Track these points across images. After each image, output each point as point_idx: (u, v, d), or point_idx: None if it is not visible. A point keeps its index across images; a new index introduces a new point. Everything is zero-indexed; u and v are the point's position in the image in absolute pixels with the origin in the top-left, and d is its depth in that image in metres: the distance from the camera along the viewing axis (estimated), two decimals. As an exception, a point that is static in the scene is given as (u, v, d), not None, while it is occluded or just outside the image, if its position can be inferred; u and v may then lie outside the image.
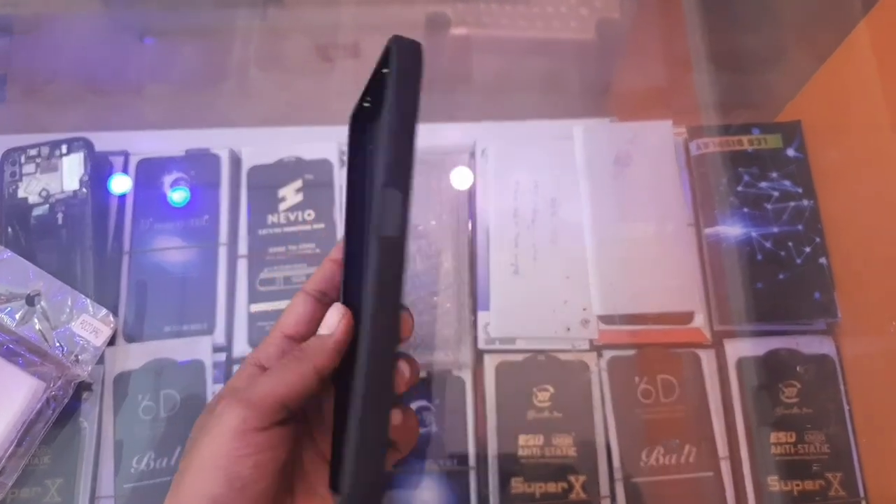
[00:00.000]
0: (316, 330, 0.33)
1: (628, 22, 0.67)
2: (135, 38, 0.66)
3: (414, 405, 0.47)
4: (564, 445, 0.46)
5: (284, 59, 0.66)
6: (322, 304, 0.34)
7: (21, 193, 0.51)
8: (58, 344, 0.46)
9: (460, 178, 0.53)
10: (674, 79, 0.62)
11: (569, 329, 0.49)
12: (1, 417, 0.42)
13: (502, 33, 0.66)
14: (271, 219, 0.52)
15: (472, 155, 0.54)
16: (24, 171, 0.51)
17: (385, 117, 0.26)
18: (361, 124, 0.33)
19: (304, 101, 0.63)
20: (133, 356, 0.48)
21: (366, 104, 0.32)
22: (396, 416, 0.32)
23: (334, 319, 0.30)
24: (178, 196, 0.53)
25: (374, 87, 0.31)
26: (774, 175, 0.52)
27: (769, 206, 0.51)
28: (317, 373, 0.29)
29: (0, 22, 0.65)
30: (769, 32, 0.62)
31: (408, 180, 0.26)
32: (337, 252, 0.34)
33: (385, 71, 0.28)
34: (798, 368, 0.48)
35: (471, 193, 0.52)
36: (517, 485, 0.45)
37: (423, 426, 0.46)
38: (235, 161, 0.54)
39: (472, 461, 0.46)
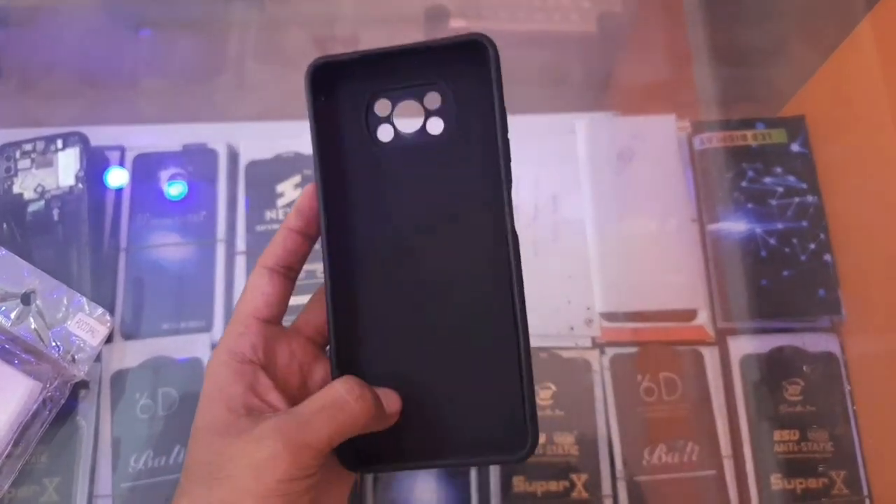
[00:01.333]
0: (286, 307, 0.30)
1: (630, 15, 0.67)
2: (130, 30, 0.65)
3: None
4: (566, 444, 0.46)
5: (282, 52, 0.65)
6: (289, 279, 0.30)
7: (16, 189, 0.50)
8: (54, 343, 0.45)
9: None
10: (676, 73, 0.61)
11: (572, 328, 0.48)
12: (-4, 419, 0.42)
13: (502, 26, 0.65)
14: (269, 214, 0.52)
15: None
16: (19, 167, 0.51)
17: (497, 121, 0.28)
18: (348, 73, 0.29)
19: (303, 95, 0.62)
20: (130, 354, 0.48)
21: (357, 58, 0.29)
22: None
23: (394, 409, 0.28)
24: (174, 190, 0.52)
25: (406, 56, 0.29)
26: (779, 170, 0.51)
27: (773, 202, 0.50)
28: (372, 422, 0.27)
29: (-6, 15, 0.64)
30: (771, 26, 0.61)
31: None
32: (296, 220, 0.29)
33: (426, 48, 0.28)
34: (802, 366, 0.47)
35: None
36: (519, 484, 0.45)
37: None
38: (233, 156, 0.54)
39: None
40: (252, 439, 0.25)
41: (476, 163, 0.28)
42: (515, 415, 0.27)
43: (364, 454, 0.29)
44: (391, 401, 0.28)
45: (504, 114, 0.28)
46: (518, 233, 0.29)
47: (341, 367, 0.29)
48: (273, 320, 0.30)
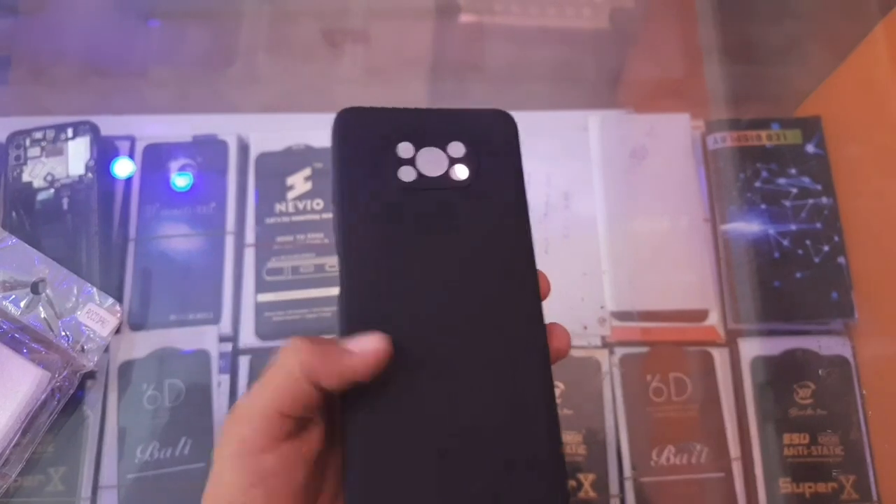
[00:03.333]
0: None
1: (642, 10, 0.66)
2: (140, 20, 0.64)
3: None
4: (574, 443, 0.46)
5: (293, 44, 0.65)
6: None
7: (26, 177, 0.50)
8: (63, 333, 0.45)
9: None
10: (688, 70, 0.61)
11: (586, 327, 0.48)
12: (5, 408, 0.41)
13: (513, 21, 0.65)
14: (279, 207, 0.52)
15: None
16: (29, 155, 0.50)
17: (515, 192, 0.30)
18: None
19: (314, 87, 0.62)
20: (138, 345, 0.48)
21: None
22: None
23: (369, 344, 0.25)
24: (181, 181, 0.52)
25: (432, 115, 0.30)
26: (793, 171, 0.51)
27: (787, 203, 0.50)
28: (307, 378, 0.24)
29: (5, 2, 0.64)
30: (785, 25, 0.61)
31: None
32: None
33: (452, 113, 0.31)
34: (813, 370, 0.47)
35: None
36: (526, 482, 0.45)
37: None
38: (243, 148, 0.53)
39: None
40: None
41: (499, 214, 0.28)
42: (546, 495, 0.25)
43: None
44: (367, 345, 0.25)
45: (523, 180, 0.29)
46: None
47: None
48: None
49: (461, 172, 0.29)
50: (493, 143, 0.29)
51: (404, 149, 0.29)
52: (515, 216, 0.28)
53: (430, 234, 0.28)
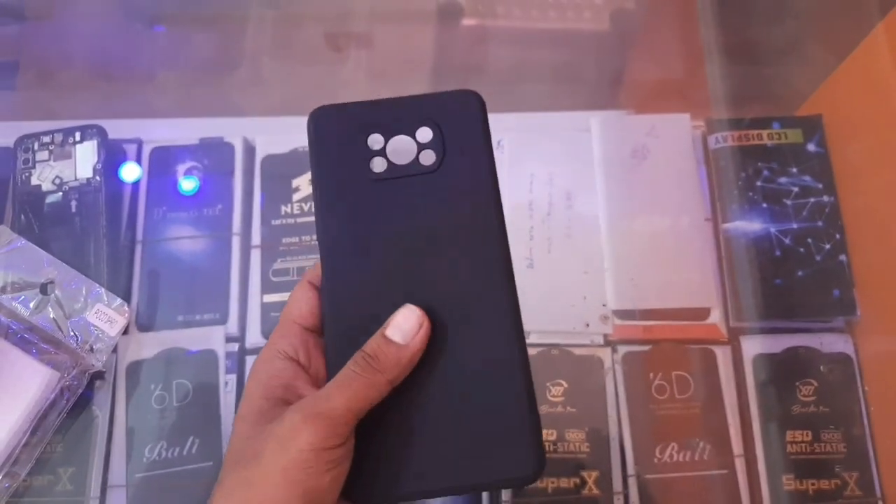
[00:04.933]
0: None
1: (643, 12, 0.67)
2: (145, 25, 0.65)
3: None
4: (577, 441, 0.46)
5: (298, 48, 0.65)
6: None
7: (34, 181, 0.50)
8: (72, 333, 0.46)
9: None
10: (689, 70, 0.61)
11: (588, 325, 0.48)
12: (15, 407, 0.42)
13: (515, 24, 0.65)
14: (285, 209, 0.52)
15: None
16: (37, 158, 0.51)
17: (485, 162, 0.31)
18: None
19: (318, 91, 0.63)
20: (146, 345, 0.48)
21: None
22: None
23: (410, 325, 0.28)
24: (187, 185, 0.52)
25: (400, 104, 0.32)
26: (794, 170, 0.51)
27: (789, 202, 0.50)
28: (391, 385, 0.28)
29: (12, 8, 0.64)
30: (786, 26, 0.61)
31: None
32: None
33: (418, 99, 0.32)
34: (816, 367, 0.47)
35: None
36: (530, 480, 0.45)
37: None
38: (249, 150, 0.54)
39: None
40: (278, 421, 0.27)
41: (468, 193, 0.30)
42: (520, 438, 0.28)
43: (375, 487, 0.29)
44: (408, 327, 0.28)
45: (492, 156, 0.30)
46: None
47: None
48: (314, 329, 0.31)
49: (429, 157, 0.30)
50: (459, 123, 0.31)
51: (375, 140, 0.31)
52: (483, 194, 0.30)
53: (404, 221, 0.30)
